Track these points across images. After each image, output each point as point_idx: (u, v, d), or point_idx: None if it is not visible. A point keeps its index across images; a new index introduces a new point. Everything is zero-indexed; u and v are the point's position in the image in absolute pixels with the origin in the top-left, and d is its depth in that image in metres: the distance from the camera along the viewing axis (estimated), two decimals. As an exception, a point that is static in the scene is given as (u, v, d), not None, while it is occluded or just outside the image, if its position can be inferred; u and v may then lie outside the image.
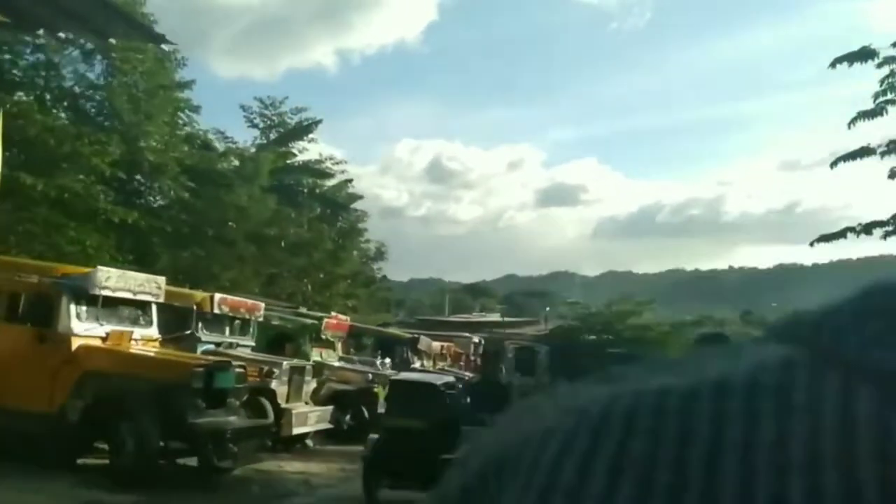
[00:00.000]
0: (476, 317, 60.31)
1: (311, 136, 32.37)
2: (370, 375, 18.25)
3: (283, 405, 14.98)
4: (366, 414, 17.91)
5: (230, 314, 15.83)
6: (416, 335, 26.41)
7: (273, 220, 28.50)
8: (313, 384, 16.43)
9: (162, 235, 23.43)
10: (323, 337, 18.66)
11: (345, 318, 22.96)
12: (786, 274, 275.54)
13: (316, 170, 31.99)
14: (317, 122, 32.52)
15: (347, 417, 17.87)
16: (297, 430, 14.87)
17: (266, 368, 14.92)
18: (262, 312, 16.86)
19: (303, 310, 21.67)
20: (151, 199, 25.03)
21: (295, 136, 31.93)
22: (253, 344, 16.78)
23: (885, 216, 13.77)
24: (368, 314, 50.69)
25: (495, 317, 59.39)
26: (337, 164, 32.65)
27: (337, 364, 18.77)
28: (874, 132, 13.75)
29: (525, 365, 39.27)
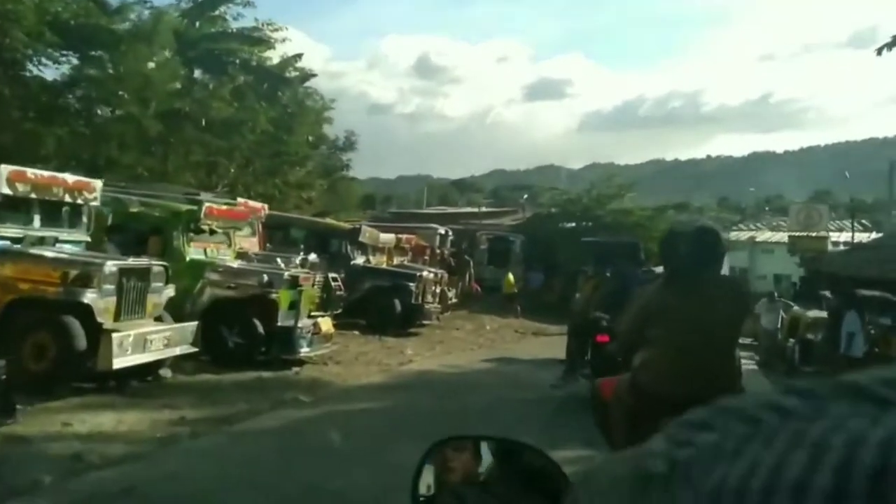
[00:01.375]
0: (452, 208, 54.72)
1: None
2: (265, 277, 12.72)
3: (107, 325, 9.56)
4: (259, 328, 12.53)
5: (36, 196, 10.21)
6: (357, 226, 20.82)
7: (184, 92, 22.59)
8: (169, 292, 10.95)
9: (38, 111, 17.68)
10: (206, 228, 13.11)
11: (259, 206, 17.41)
12: (759, 161, 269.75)
13: (247, 37, 25.57)
14: None
15: (236, 333, 12.52)
16: (123, 362, 9.46)
17: (73, 273, 9.43)
18: (95, 194, 11.25)
19: (206, 196, 16.12)
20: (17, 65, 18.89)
21: None
22: (87, 239, 11.28)
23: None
24: (340, 209, 45.19)
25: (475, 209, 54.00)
26: (276, 30, 26.25)
27: (226, 264, 13.23)
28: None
29: (499, 257, 34.25)
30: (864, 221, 49.71)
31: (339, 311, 17.09)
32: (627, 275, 11.85)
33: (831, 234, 41.69)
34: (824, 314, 19.97)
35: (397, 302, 19.12)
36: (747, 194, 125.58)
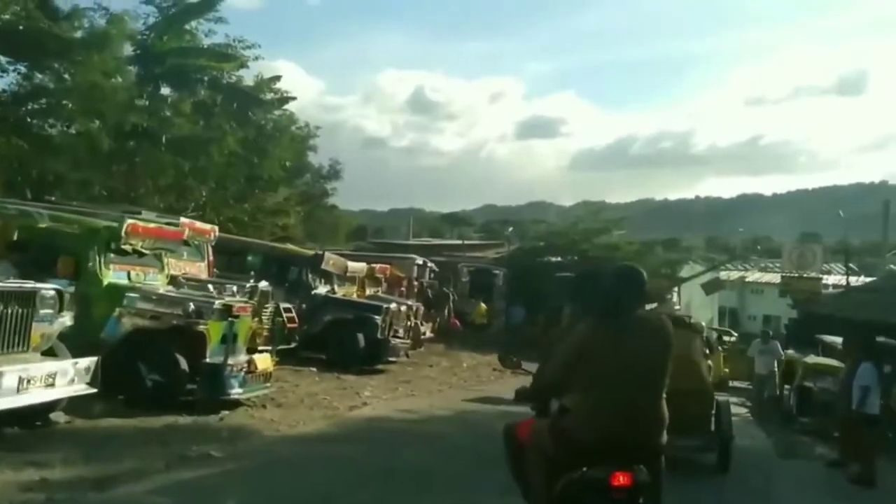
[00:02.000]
0: (436, 240, 52.93)
1: (216, 14, 23.82)
2: (191, 306, 10.83)
3: (-28, 362, 7.69)
4: (182, 364, 10.63)
5: None
6: (319, 252, 18.92)
7: (149, 108, 20.77)
8: (64, 321, 9.05)
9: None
10: (129, 248, 11.26)
11: (208, 228, 15.53)
12: (748, 203, 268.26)
13: (216, 52, 23.68)
14: None
15: (155, 370, 10.62)
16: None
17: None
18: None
19: (147, 214, 14.22)
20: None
21: (195, 12, 23.51)
22: (-29, 257, 9.44)
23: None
24: (325, 239, 43.39)
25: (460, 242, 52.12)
26: (248, 47, 24.42)
27: (151, 290, 11.35)
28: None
29: (481, 290, 32.44)
30: (851, 265, 48.32)
31: (293, 345, 15.24)
32: None
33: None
34: (824, 360, 18.34)
35: (361, 336, 17.23)
36: (736, 235, 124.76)
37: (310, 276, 17.78)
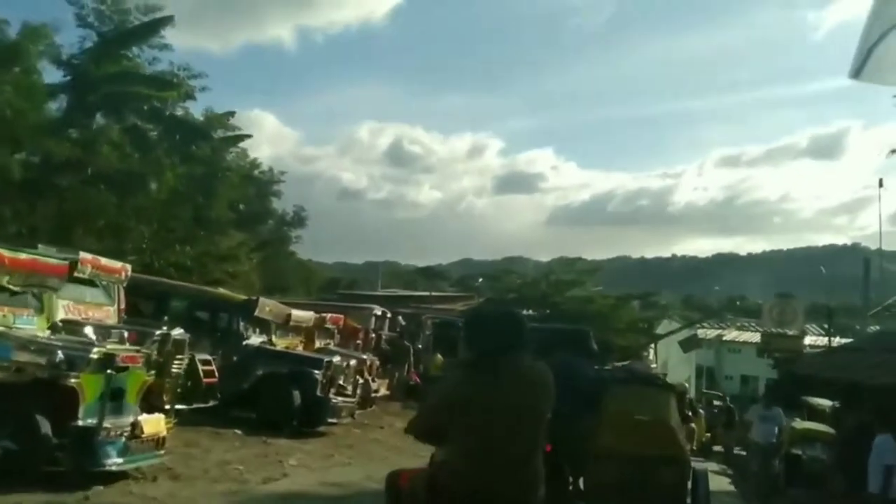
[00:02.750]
0: (406, 291, 50.80)
1: (161, 39, 21.85)
2: (60, 355, 8.68)
3: None
4: (44, 427, 8.47)
5: None
6: (253, 298, 16.73)
7: (67, 135, 18.67)
8: None
9: None
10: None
11: (118, 266, 13.35)
12: (723, 262, 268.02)
13: (157, 80, 21.66)
14: (167, 20, 21.93)
15: (8, 435, 8.44)
16: None
17: None
18: None
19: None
20: None
21: (136, 37, 21.53)
22: None
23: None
24: (285, 288, 41.25)
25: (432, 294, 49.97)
26: (194, 76, 22.46)
27: (11, 335, 9.19)
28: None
29: (446, 344, 30.22)
30: (825, 326, 46.92)
31: (212, 403, 13.05)
32: (570, 368, 9.27)
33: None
34: (813, 425, 16.54)
35: (296, 393, 14.99)
36: (712, 293, 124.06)
37: (241, 324, 15.59)
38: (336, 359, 16.29)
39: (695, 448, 19.49)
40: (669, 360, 40.67)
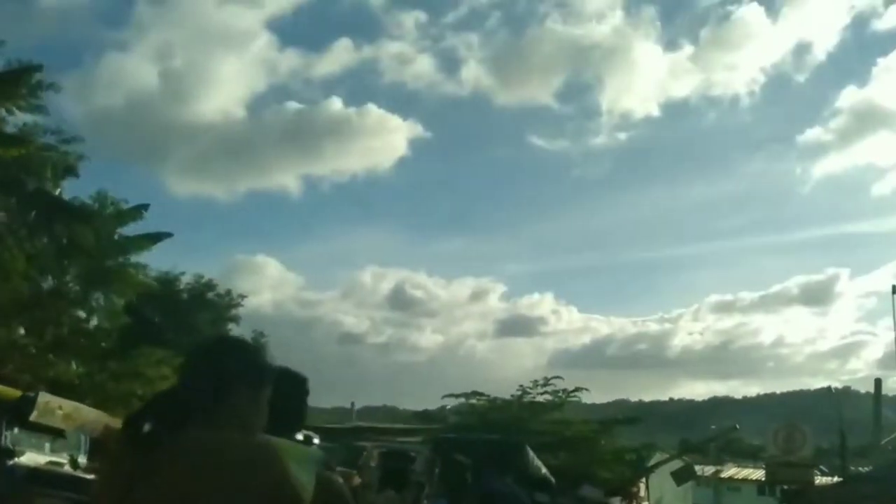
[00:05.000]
0: (375, 423, 44.60)
1: (36, 85, 16.94)
2: None
3: None
4: None
5: None
6: (31, 394, 11.09)
7: None
8: None
9: None
10: None
11: None
12: (719, 405, 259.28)
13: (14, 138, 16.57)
14: (36, 69, 17.21)
15: None
16: None
17: None
18: None
19: None
20: None
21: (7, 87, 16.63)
22: None
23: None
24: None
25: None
26: (66, 141, 17.50)
27: None
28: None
29: (394, 478, 24.26)
30: (823, 468, 40.91)
31: None
32: (495, 494, 7.25)
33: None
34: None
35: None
36: (708, 435, 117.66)
37: (7, 434, 9.98)
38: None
39: None
40: (664, 497, 34.25)
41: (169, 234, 24.34)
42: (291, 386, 2.73)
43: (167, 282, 32.85)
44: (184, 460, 2.03)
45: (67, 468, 10.69)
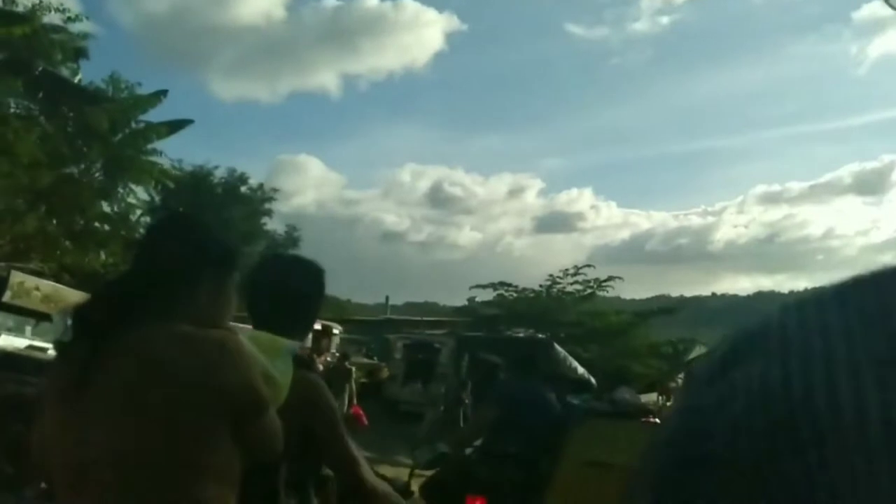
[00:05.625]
0: (409, 316, 44.28)
1: None
2: None
3: None
4: None
5: None
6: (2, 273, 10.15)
7: None
8: None
9: None
10: None
11: None
12: (765, 300, 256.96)
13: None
14: None
15: None
16: None
17: None
18: None
19: None
20: None
21: None
22: None
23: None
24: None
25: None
26: (71, 20, 16.41)
27: None
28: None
29: (420, 369, 23.47)
30: None
31: None
32: (518, 395, 6.33)
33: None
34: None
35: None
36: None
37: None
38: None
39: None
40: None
41: (190, 121, 23.27)
42: (305, 276, 2.45)
43: (201, 176, 32.45)
44: (130, 358, 1.74)
45: (52, 353, 9.81)
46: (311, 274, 2.47)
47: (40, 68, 16.62)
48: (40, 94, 16.70)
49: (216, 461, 1.74)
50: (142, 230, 29.45)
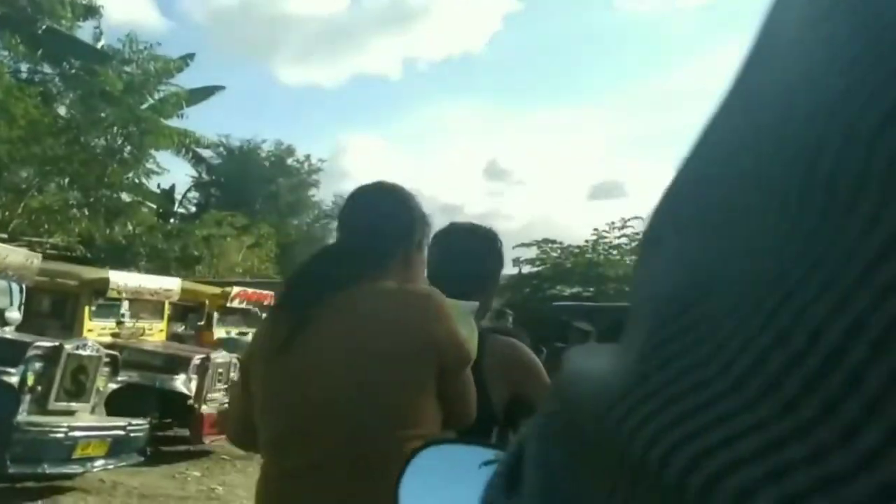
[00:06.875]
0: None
1: None
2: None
3: None
4: None
5: None
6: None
7: None
8: None
9: None
10: None
11: None
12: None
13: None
14: None
15: None
16: None
17: None
18: None
19: None
20: None
21: None
22: None
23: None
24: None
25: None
26: None
27: None
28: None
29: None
30: None
31: None
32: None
33: None
34: None
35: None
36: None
37: None
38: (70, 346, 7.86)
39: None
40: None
41: (221, 87, 21.78)
42: (480, 243, 2.22)
43: (248, 150, 31.78)
44: (343, 313, 1.80)
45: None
46: (489, 241, 2.32)
47: (44, 26, 15.21)
48: (39, 52, 15.27)
49: (431, 409, 1.77)
50: (184, 202, 28.31)
